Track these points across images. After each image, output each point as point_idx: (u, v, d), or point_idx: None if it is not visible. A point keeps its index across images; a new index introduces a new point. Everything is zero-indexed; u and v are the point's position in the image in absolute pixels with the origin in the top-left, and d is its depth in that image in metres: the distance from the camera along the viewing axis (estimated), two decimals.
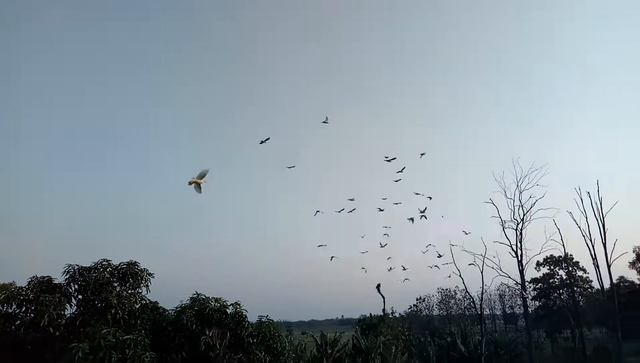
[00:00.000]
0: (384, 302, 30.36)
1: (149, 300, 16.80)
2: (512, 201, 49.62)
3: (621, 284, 70.19)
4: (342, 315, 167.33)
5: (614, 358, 45.54)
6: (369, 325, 27.29)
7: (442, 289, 79.70)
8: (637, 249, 71.30)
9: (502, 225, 48.57)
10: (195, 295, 16.63)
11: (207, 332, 14.96)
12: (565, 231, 48.32)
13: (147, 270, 16.60)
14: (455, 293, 78.32)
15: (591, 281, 63.06)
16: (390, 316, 40.35)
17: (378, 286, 30.91)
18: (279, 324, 18.30)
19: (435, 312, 78.60)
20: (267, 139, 19.71)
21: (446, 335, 48.74)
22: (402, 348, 21.38)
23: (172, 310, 16.56)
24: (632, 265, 71.40)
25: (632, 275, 71.35)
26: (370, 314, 35.11)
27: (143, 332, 14.55)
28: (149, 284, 16.54)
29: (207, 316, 15.91)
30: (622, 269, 74.75)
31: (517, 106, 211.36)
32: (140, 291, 16.51)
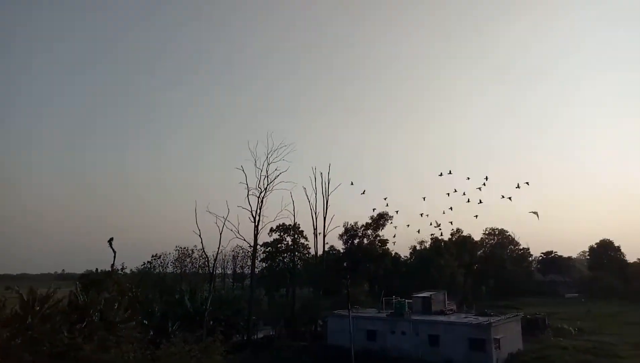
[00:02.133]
0: (114, 257, 28.57)
1: None
2: (260, 170, 54.32)
3: (330, 252, 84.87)
4: (63, 270, 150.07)
5: (315, 310, 55.28)
6: (93, 281, 25.36)
7: (180, 247, 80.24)
8: (346, 224, 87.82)
9: (247, 192, 52.67)
10: None
11: None
12: (299, 204, 55.24)
13: None
14: (193, 252, 79.97)
15: (310, 248, 74.07)
16: (120, 272, 38.44)
17: (110, 240, 28.79)
18: None
19: (170, 270, 78.75)
20: None
21: (176, 292, 49.73)
22: (126, 305, 20.62)
23: None
24: (341, 236, 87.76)
25: (339, 245, 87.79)
26: (97, 269, 32.64)
27: None
28: None
29: None
30: (334, 240, 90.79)
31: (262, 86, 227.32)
32: None
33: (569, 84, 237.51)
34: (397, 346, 41.15)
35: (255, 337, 52.10)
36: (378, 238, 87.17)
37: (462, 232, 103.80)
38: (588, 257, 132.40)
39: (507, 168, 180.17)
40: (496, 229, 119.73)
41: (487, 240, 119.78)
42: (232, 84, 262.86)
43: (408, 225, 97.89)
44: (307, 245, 74.76)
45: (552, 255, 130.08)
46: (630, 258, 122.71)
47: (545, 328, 52.88)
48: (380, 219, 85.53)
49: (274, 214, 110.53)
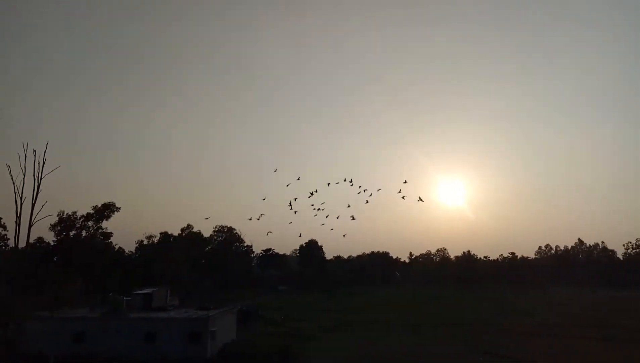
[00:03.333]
0: None
1: None
2: None
3: (38, 244, 72.52)
4: None
5: (8, 312, 45.87)
6: None
7: None
8: (61, 213, 76.54)
9: None
10: None
11: None
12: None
13: None
14: None
15: (9, 239, 61.78)
16: None
17: None
18: None
19: None
20: None
21: None
22: None
23: None
24: (53, 227, 75.89)
25: (50, 237, 75.72)
26: None
27: None
28: None
29: None
30: (43, 231, 77.83)
31: None
32: None
33: None
34: (110, 347, 38.14)
35: None
36: (101, 230, 79.48)
37: (192, 228, 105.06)
38: (298, 254, 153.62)
39: None
40: (225, 226, 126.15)
41: (215, 237, 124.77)
42: None
43: None
44: (6, 235, 62.24)
45: (271, 252, 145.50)
46: (328, 255, 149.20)
47: (257, 318, 58.59)
48: (105, 211, 78.25)
49: None
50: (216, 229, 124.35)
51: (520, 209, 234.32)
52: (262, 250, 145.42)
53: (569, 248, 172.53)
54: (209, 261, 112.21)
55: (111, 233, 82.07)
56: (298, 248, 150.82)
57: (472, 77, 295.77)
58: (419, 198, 42.84)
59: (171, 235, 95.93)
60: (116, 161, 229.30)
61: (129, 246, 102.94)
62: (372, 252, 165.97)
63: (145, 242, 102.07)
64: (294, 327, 55.43)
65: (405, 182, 41.32)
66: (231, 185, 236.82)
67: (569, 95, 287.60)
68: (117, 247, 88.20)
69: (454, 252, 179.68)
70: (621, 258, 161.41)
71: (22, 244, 57.71)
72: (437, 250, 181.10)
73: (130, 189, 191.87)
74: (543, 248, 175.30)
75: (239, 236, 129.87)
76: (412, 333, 52.85)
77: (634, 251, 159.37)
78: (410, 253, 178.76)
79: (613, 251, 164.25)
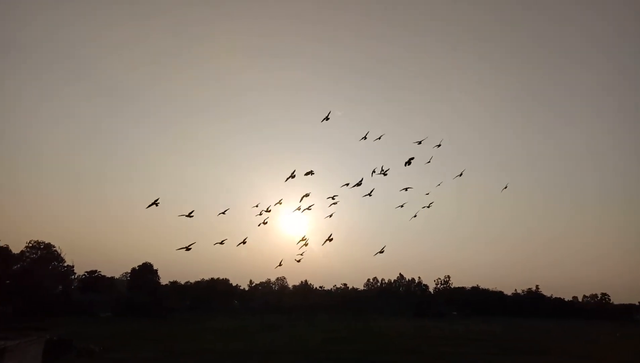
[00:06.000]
0: None
1: None
2: None
3: None
4: None
5: None
6: None
7: None
8: None
9: None
10: None
11: None
12: None
13: None
14: None
15: None
16: None
17: None
18: None
19: None
20: None
21: None
22: None
23: None
24: None
25: None
26: None
27: None
28: None
29: None
30: None
31: None
32: None
33: None
34: None
35: None
36: None
37: None
38: (129, 278, 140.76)
39: None
40: (42, 242, 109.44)
41: (28, 254, 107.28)
42: None
43: None
44: None
45: (96, 274, 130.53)
46: (164, 280, 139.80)
47: (70, 348, 51.33)
48: None
49: None
50: (29, 244, 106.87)
51: (352, 245, 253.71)
52: (86, 272, 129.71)
53: (392, 281, 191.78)
54: (15, 282, 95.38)
55: None
56: (129, 271, 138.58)
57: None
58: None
59: None
60: None
61: None
62: (212, 279, 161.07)
63: None
64: (113, 359, 49.91)
65: (257, 206, 39.30)
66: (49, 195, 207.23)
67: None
68: None
69: (292, 281, 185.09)
70: (432, 292, 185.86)
71: None
72: (277, 279, 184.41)
73: None
74: (371, 280, 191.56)
75: (59, 255, 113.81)
76: None
77: (441, 286, 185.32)
78: (250, 280, 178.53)
79: (426, 285, 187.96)
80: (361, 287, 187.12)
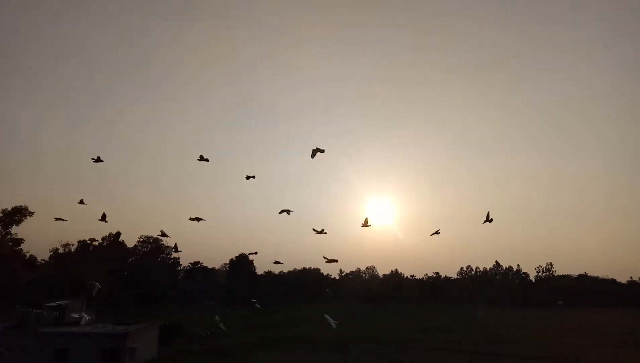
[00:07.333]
0: None
1: None
2: None
3: None
4: None
5: None
6: None
7: None
8: None
9: None
10: None
11: None
12: None
13: None
14: None
15: None
16: None
17: None
18: None
19: None
20: None
21: None
22: None
23: None
24: None
25: None
26: None
27: None
28: None
29: None
30: None
31: None
32: None
33: None
34: None
35: None
36: (10, 236, 73.04)
37: (118, 236, 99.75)
38: (228, 269, 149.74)
39: None
40: (150, 237, 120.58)
41: (140, 247, 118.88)
42: None
43: None
44: None
45: (199, 265, 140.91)
46: (259, 270, 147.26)
47: (181, 334, 56.29)
48: (16, 215, 72.11)
49: None
50: (141, 239, 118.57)
51: (444, 233, 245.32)
52: (190, 263, 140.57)
53: (487, 269, 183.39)
54: (131, 273, 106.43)
55: (22, 239, 75.71)
56: (228, 262, 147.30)
57: (403, 99, 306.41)
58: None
59: (91, 244, 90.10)
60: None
61: (43, 255, 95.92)
62: (304, 268, 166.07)
63: (60, 251, 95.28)
64: (219, 344, 53.89)
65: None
66: (158, 193, 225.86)
67: (500, 117, 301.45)
68: (27, 255, 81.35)
69: (382, 270, 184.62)
70: (533, 280, 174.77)
71: None
72: (367, 268, 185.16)
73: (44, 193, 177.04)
74: (464, 269, 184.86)
75: (166, 247, 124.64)
76: (337, 351, 53.31)
77: (543, 274, 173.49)
78: (341, 270, 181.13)
79: (526, 274, 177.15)
80: (454, 276, 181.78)
